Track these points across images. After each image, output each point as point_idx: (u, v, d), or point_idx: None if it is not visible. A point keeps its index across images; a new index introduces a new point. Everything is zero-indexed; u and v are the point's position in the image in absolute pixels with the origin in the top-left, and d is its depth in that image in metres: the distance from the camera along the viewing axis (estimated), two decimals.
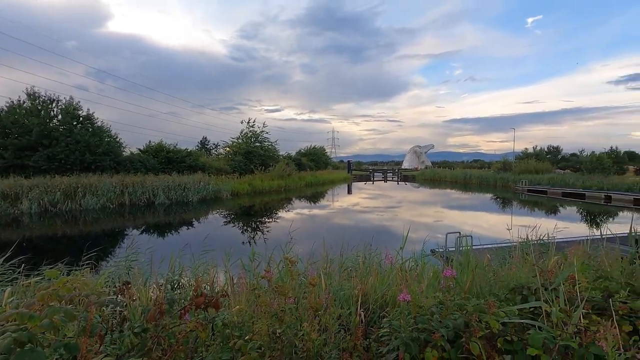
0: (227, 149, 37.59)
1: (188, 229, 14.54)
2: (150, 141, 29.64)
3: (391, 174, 61.92)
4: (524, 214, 19.09)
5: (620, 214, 18.98)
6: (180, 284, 4.35)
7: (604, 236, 5.31)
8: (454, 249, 5.50)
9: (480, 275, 2.99)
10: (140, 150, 28.39)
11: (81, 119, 23.93)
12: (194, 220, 16.92)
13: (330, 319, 1.78)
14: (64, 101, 23.89)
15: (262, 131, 37.36)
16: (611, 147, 42.50)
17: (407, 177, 55.65)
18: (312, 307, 1.56)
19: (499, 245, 6.99)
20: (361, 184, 45.12)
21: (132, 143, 39.07)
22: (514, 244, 5.69)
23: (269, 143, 37.72)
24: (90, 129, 23.68)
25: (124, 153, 26.32)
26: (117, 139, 26.00)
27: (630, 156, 48.12)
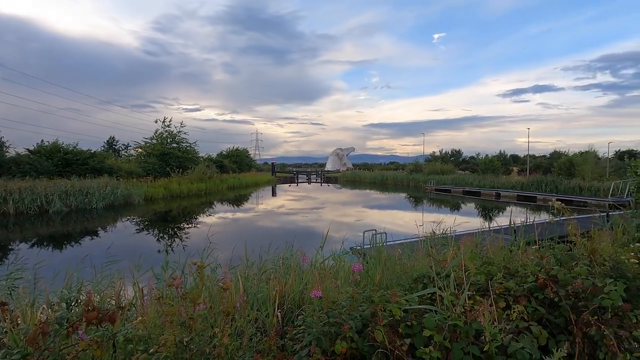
0: (140, 150, 34.48)
1: (92, 239, 12.98)
2: (43, 140, 25.80)
3: (315, 176, 63.29)
4: (432, 211, 21.13)
5: (507, 208, 22.18)
6: (80, 300, 3.87)
7: (491, 228, 6.18)
8: (369, 245, 5.85)
9: (390, 269, 3.24)
10: (29, 150, 24.48)
11: None
12: (99, 229, 15.16)
13: (244, 322, 1.76)
14: None
15: (180, 131, 35.12)
16: (500, 151, 49.62)
17: (330, 178, 57.39)
18: (224, 312, 1.53)
19: (409, 240, 7.63)
20: (286, 185, 45.26)
21: (19, 143, 33.68)
22: (422, 238, 6.27)
23: (188, 144, 35.62)
24: None
25: (7, 154, 22.43)
26: None
27: (515, 159, 56.65)
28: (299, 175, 62.60)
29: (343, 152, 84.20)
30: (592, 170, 28.32)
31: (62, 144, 25.65)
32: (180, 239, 12.78)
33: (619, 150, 41.80)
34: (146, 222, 17.03)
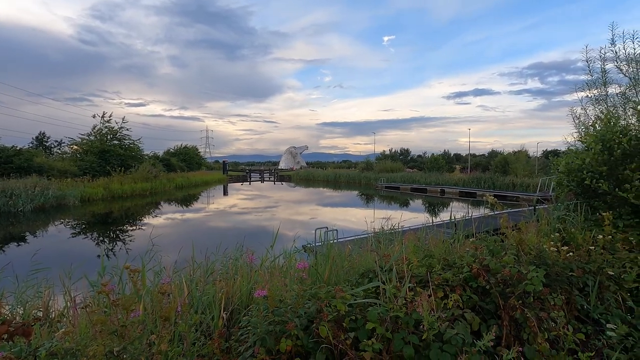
0: (75, 147, 31.69)
1: (19, 245, 11.71)
2: None
3: (268, 174, 62.53)
4: (383, 208, 21.87)
5: (450, 203, 23.61)
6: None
7: (435, 223, 6.54)
8: (320, 243, 5.90)
9: (339, 265, 3.29)
10: None
11: None
12: (27, 234, 13.71)
13: (187, 327, 1.69)
14: None
15: (122, 127, 32.83)
16: (445, 150, 52.68)
17: (283, 177, 57.06)
18: (162, 317, 1.45)
19: (359, 236, 7.82)
20: (238, 184, 44.24)
21: None
22: (371, 234, 6.46)
23: (131, 141, 33.42)
24: None
25: None
26: None
27: (457, 157, 60.53)
28: (252, 174, 61.51)
29: (297, 150, 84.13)
30: (523, 168, 31.21)
31: None
32: (123, 242, 11.98)
33: (545, 150, 46.39)
34: (83, 225, 15.72)
